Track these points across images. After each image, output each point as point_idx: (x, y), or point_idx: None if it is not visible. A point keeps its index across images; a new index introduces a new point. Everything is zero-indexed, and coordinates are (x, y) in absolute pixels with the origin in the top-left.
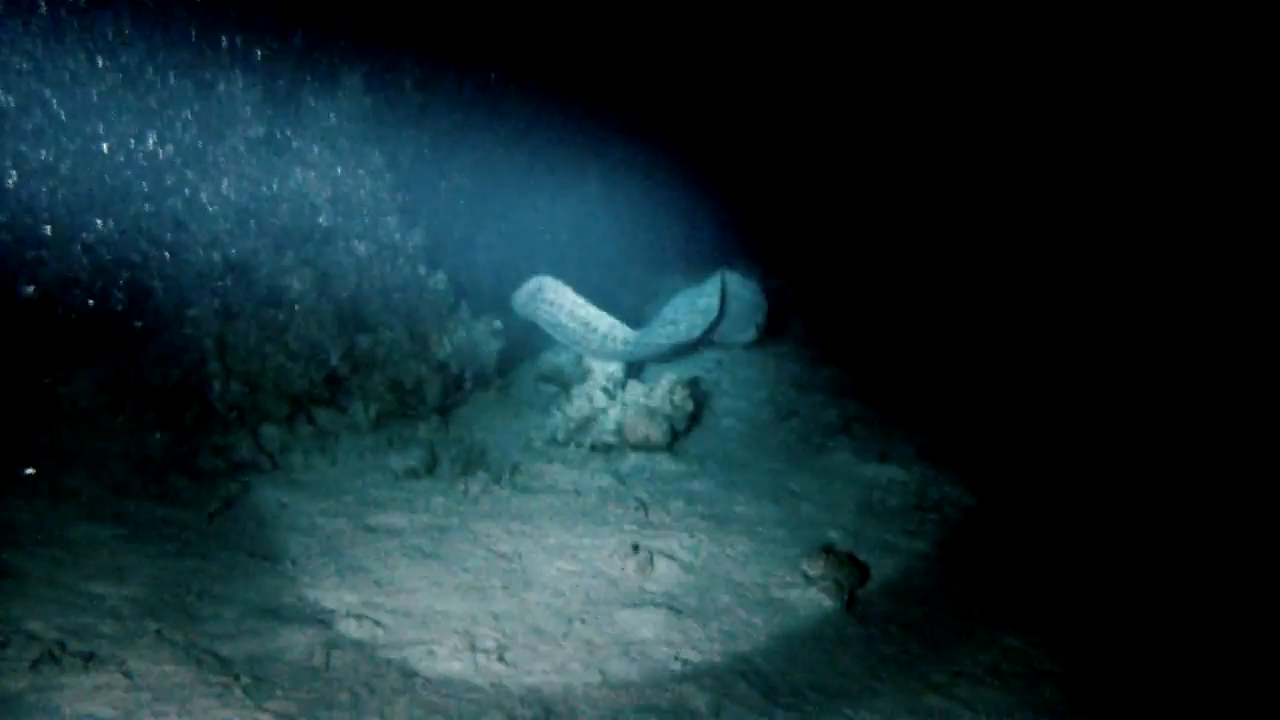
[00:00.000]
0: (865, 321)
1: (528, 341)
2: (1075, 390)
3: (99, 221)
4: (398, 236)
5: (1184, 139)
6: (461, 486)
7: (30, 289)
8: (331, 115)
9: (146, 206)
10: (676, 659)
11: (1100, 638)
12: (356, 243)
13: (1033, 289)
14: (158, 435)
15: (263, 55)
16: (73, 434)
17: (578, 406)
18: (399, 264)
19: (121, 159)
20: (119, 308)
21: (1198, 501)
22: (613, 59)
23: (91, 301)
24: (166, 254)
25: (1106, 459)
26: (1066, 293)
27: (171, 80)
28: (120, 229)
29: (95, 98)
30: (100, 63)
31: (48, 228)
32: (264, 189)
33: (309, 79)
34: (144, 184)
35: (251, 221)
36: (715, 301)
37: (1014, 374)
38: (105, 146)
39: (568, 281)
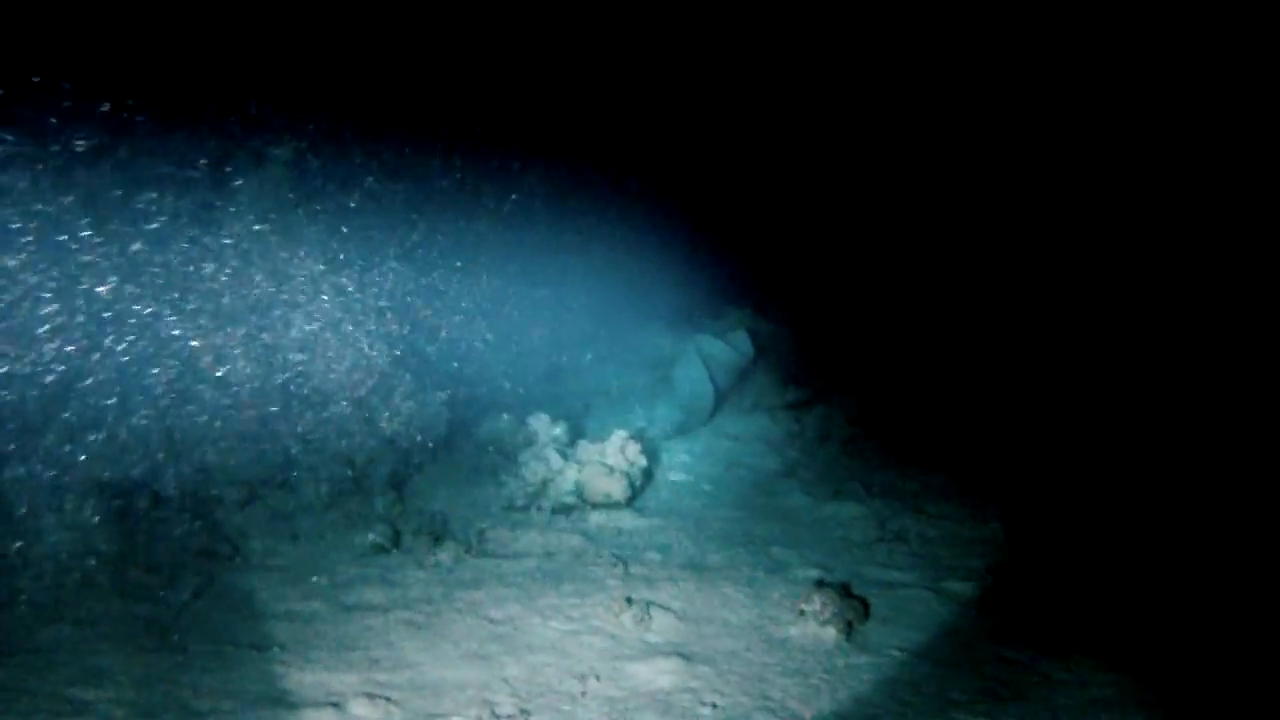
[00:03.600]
0: (786, 369)
1: (468, 410)
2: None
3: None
4: (336, 312)
5: (1184, 139)
6: (433, 558)
7: None
8: (258, 187)
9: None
10: (704, 704)
11: (1093, 640)
12: (297, 319)
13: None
14: (107, 531)
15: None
16: (12, 534)
17: (533, 470)
18: (339, 338)
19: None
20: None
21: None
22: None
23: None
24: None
25: (1048, 477)
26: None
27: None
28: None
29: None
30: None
31: None
32: (195, 267)
33: (234, 152)
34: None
35: (189, 303)
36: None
37: (948, 405)
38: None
39: None
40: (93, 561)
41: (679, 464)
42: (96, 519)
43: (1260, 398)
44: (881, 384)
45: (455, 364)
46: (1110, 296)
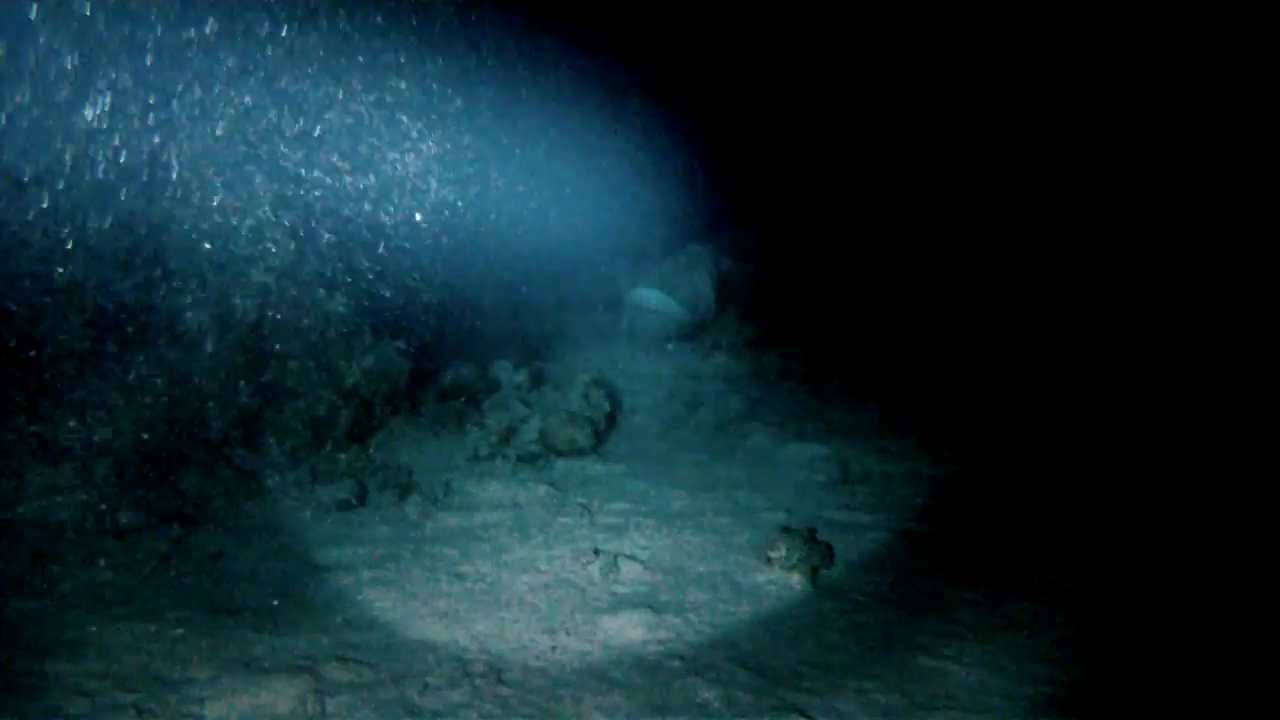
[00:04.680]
0: (747, 306)
1: (429, 360)
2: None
3: None
4: (292, 261)
5: (1184, 139)
6: (400, 513)
7: None
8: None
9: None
10: (674, 657)
11: (1049, 579)
12: (252, 270)
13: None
14: (68, 497)
15: None
16: None
17: (498, 418)
18: (298, 289)
19: None
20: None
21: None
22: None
23: None
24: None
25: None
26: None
27: None
28: None
29: None
30: None
31: None
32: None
33: None
34: None
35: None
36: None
37: (906, 345)
38: None
39: None
40: (54, 529)
41: (642, 406)
42: (57, 484)
43: (1215, 346)
44: (843, 321)
45: (417, 306)
46: (1070, 235)
